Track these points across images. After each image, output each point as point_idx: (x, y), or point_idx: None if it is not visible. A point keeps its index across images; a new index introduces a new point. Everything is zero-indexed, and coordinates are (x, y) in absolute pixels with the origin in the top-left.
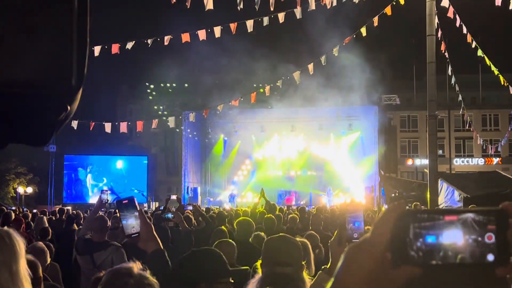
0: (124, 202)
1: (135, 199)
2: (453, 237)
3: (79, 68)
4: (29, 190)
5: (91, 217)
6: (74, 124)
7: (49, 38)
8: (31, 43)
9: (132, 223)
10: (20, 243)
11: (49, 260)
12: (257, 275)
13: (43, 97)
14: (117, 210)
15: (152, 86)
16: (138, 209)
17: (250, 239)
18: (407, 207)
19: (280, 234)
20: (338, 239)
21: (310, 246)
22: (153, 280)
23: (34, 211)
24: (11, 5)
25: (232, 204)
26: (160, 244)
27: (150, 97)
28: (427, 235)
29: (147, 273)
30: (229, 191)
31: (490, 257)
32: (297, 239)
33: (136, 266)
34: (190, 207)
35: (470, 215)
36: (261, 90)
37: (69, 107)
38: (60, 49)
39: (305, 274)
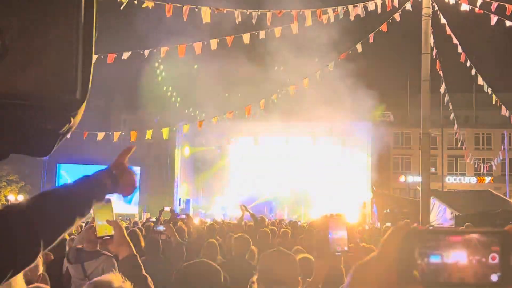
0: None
1: (112, 201)
2: (457, 257)
3: (83, 82)
4: (20, 198)
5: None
6: (70, 132)
7: (55, 52)
8: (37, 56)
9: (106, 225)
10: None
11: (41, 270)
12: None
13: (47, 109)
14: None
15: (146, 97)
16: (114, 212)
17: (246, 256)
18: (414, 227)
19: (276, 249)
20: (319, 252)
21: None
22: None
23: None
24: (19, 19)
25: (223, 217)
26: (133, 249)
27: (144, 108)
28: (432, 254)
29: (128, 285)
30: (221, 203)
31: (494, 278)
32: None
33: (116, 278)
34: (183, 215)
35: (474, 236)
36: (259, 103)
37: (72, 120)
38: (65, 63)
39: None
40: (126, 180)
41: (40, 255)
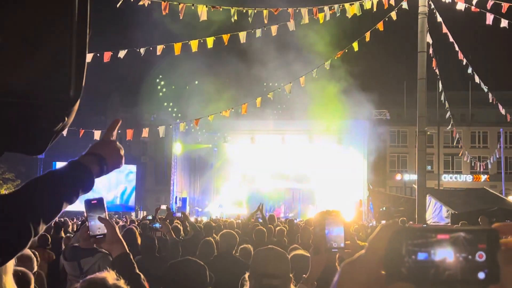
0: (93, 202)
1: (104, 200)
2: (445, 255)
3: (77, 80)
4: None
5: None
6: (64, 130)
7: (49, 50)
8: (31, 55)
9: (98, 224)
10: None
11: (36, 267)
12: (245, 287)
13: (41, 108)
14: (84, 210)
15: (142, 95)
16: (106, 211)
17: (233, 252)
18: (401, 225)
19: (269, 246)
20: (315, 248)
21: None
22: None
23: None
24: (11, 17)
25: (221, 214)
26: (126, 247)
27: (141, 106)
28: (419, 252)
29: (122, 283)
30: (217, 201)
31: (481, 275)
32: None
33: (110, 276)
34: (179, 214)
35: (461, 234)
36: (256, 100)
37: (66, 118)
38: (59, 61)
39: (292, 287)
40: (114, 158)
41: (31, 242)
